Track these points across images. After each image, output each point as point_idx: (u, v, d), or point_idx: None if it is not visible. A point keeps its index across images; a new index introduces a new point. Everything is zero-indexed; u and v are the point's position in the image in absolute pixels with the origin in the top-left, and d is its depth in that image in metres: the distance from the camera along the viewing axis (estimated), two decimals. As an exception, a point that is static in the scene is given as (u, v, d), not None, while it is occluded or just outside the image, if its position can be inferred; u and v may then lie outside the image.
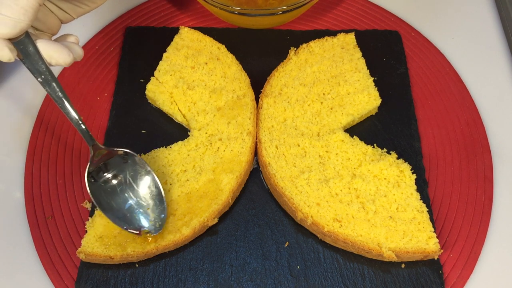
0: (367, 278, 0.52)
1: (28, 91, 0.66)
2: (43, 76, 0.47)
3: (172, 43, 0.66)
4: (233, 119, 0.59)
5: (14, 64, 0.68)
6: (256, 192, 0.58)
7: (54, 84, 0.48)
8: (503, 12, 0.73)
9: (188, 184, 0.56)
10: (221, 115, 0.60)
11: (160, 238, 0.51)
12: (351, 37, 0.67)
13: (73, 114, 0.50)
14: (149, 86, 0.63)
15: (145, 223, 0.52)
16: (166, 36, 0.68)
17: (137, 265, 0.53)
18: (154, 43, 0.69)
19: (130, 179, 0.53)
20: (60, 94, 0.48)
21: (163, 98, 0.62)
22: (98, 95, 0.65)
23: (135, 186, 0.53)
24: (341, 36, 0.67)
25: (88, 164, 0.52)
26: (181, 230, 0.52)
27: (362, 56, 0.65)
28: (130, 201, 0.52)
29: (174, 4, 0.74)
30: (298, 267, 0.53)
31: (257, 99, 0.62)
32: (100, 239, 0.52)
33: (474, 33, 0.73)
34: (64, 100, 0.49)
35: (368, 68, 0.64)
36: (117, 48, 0.69)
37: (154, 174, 0.53)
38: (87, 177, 0.51)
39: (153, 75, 0.63)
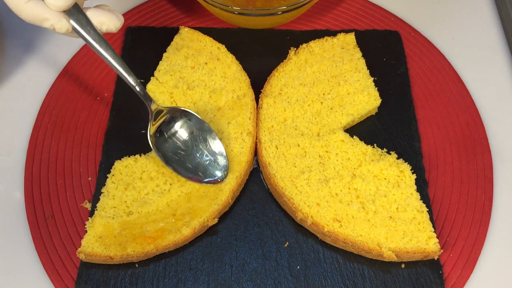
0: (367, 278, 0.52)
1: (28, 91, 0.66)
2: (97, 45, 0.49)
3: (172, 43, 0.66)
4: (233, 119, 0.59)
5: (13, 64, 0.68)
6: (256, 192, 0.58)
7: (109, 51, 0.50)
8: (503, 12, 0.73)
9: (188, 184, 0.55)
10: (221, 115, 0.60)
11: (160, 238, 0.51)
12: (351, 37, 0.67)
13: (130, 79, 0.52)
14: (149, 86, 0.63)
15: (218, 173, 0.55)
16: (166, 36, 0.68)
17: (137, 265, 0.53)
18: (154, 43, 0.69)
19: (197, 134, 0.57)
20: (115, 61, 0.50)
21: (163, 98, 0.62)
22: (98, 95, 0.65)
23: (202, 141, 0.57)
24: (341, 36, 0.67)
25: (150, 122, 0.55)
26: (181, 230, 0.52)
27: (362, 56, 0.65)
28: (202, 154, 0.56)
29: (174, 4, 0.74)
30: (298, 267, 0.53)
31: (257, 99, 0.62)
32: (100, 239, 0.52)
33: (474, 33, 0.73)
34: (120, 67, 0.51)
35: (368, 68, 0.64)
36: (117, 48, 0.69)
37: (212, 129, 0.57)
38: (150, 133, 0.55)
39: (153, 75, 0.63)
